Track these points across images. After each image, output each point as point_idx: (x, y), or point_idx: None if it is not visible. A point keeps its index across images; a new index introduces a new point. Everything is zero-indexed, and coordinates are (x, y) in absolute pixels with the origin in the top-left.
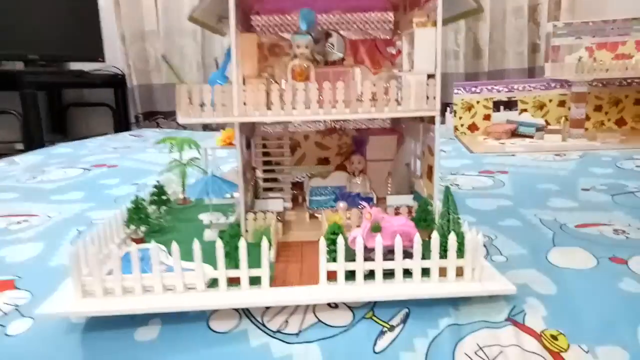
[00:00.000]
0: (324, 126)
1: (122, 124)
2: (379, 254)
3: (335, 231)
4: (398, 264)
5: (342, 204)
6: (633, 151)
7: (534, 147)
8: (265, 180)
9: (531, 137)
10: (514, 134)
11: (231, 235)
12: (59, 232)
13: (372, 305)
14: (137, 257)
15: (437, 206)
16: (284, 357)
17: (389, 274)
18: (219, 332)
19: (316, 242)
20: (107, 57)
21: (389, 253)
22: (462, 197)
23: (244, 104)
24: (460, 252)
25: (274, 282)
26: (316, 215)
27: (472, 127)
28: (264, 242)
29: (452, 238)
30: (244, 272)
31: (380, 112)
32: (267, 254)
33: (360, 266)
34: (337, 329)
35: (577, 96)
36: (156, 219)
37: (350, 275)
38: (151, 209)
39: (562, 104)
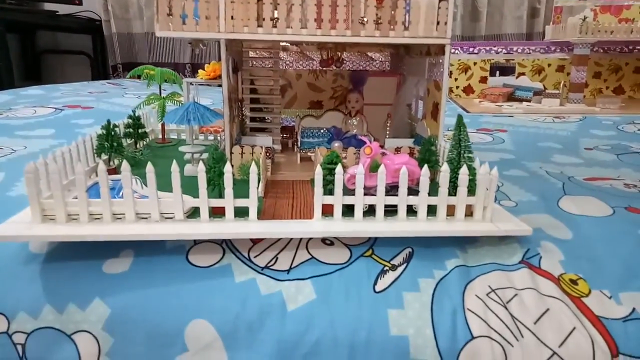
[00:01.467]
0: (319, 62)
1: (100, 74)
2: (381, 187)
3: (333, 160)
4: (402, 198)
5: (337, 144)
6: (634, 116)
7: (532, 110)
8: (252, 119)
9: (528, 100)
10: (510, 97)
11: (215, 159)
12: (22, 164)
13: (372, 244)
14: (107, 182)
15: (442, 146)
16: (272, 295)
17: (390, 212)
18: (199, 266)
19: (308, 182)
20: (84, 0)
21: (391, 190)
22: None
23: (232, 17)
24: (471, 190)
25: (262, 215)
26: (309, 155)
27: (468, 90)
28: (253, 169)
29: (463, 172)
30: (229, 200)
31: (384, 36)
32: (256, 182)
33: (359, 200)
34: (332, 267)
35: (579, 59)
36: (132, 152)
37: (348, 211)
38: (126, 142)
39: (561, 69)
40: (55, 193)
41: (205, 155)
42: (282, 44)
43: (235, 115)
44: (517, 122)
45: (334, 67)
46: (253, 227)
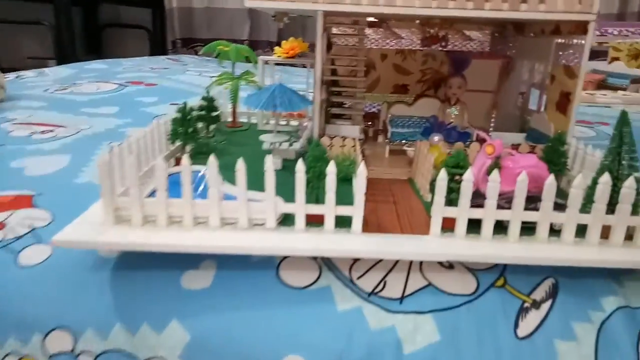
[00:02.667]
0: (421, 40)
1: (158, 49)
2: (520, 199)
3: (459, 163)
4: (545, 215)
5: (437, 137)
6: None
7: (632, 100)
8: (332, 104)
9: (624, 89)
10: (601, 85)
11: (315, 157)
12: (89, 147)
13: (503, 270)
14: (190, 179)
15: (574, 146)
16: (384, 330)
17: (526, 229)
18: (293, 287)
19: (407, 182)
20: None
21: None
22: None
23: None
24: (635, 208)
25: (365, 226)
26: (404, 149)
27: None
28: (362, 170)
29: (628, 185)
30: (330, 207)
31: (514, 9)
32: (364, 186)
33: (490, 214)
34: (457, 298)
35: None
36: (205, 138)
37: (472, 226)
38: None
39: None
40: (132, 191)
41: (284, 146)
42: (369, 19)
43: (323, 100)
44: (617, 113)
45: (440, 47)
46: (360, 244)
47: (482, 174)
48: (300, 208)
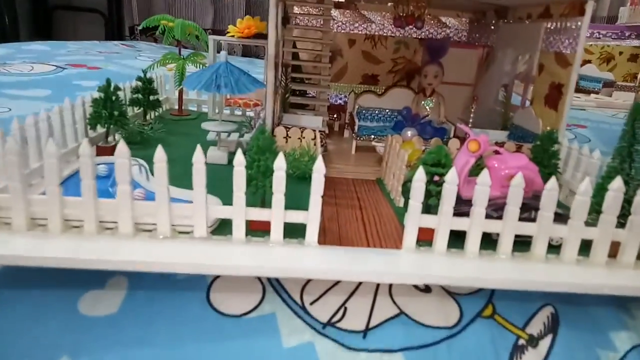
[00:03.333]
0: (393, 20)
1: (114, 35)
2: (513, 207)
3: (441, 160)
4: (544, 228)
5: (410, 132)
6: None
7: (605, 103)
8: (293, 93)
9: (596, 92)
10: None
11: (260, 148)
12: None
13: (490, 295)
14: (91, 171)
15: (566, 145)
16: None
17: (518, 242)
18: (227, 314)
19: (374, 183)
20: None
21: (500, 208)
22: None
23: None
24: None
25: (323, 236)
26: (373, 145)
27: None
28: (319, 166)
29: None
30: (277, 213)
31: None
32: (321, 186)
33: (478, 225)
34: (436, 332)
35: None
36: (139, 125)
37: (453, 239)
38: (132, 112)
39: (634, 58)
40: (13, 185)
41: (234, 137)
42: None
43: (278, 85)
44: (593, 116)
45: (415, 27)
46: (315, 260)
47: (464, 175)
48: (238, 212)
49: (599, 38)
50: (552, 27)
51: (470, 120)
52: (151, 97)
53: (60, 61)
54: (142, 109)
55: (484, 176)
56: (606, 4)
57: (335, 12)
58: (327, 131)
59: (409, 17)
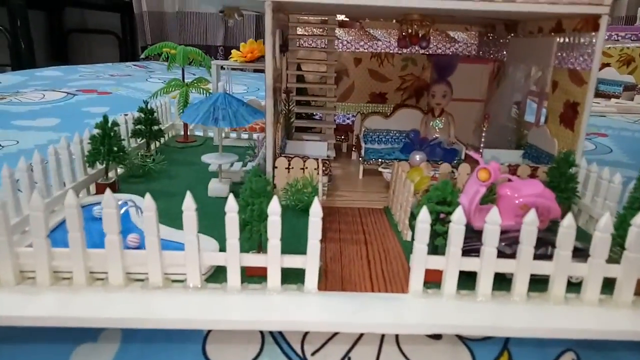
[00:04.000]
0: (397, 41)
1: (128, 56)
2: (527, 247)
3: (446, 197)
4: (561, 267)
5: (419, 157)
6: None
7: (626, 108)
8: (299, 116)
9: (617, 97)
10: None
11: (254, 191)
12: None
13: (505, 341)
14: (79, 222)
15: (583, 166)
16: None
17: (535, 280)
18: None
19: (382, 212)
20: None
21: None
22: None
23: None
24: None
25: (324, 279)
26: (380, 170)
27: None
28: (315, 210)
29: None
30: (273, 258)
31: (509, 0)
32: (319, 230)
33: (489, 266)
34: None
35: None
36: (140, 157)
37: (464, 279)
38: (134, 144)
39: None
40: (1, 237)
41: (237, 166)
42: (340, 18)
43: (279, 112)
44: (613, 123)
45: (418, 48)
46: (314, 310)
47: (474, 205)
48: (232, 260)
49: (618, 40)
50: (565, 42)
51: (482, 140)
52: (153, 128)
53: (71, 87)
54: (144, 139)
55: (494, 215)
56: (624, 3)
57: (339, 32)
58: (333, 156)
59: (413, 36)
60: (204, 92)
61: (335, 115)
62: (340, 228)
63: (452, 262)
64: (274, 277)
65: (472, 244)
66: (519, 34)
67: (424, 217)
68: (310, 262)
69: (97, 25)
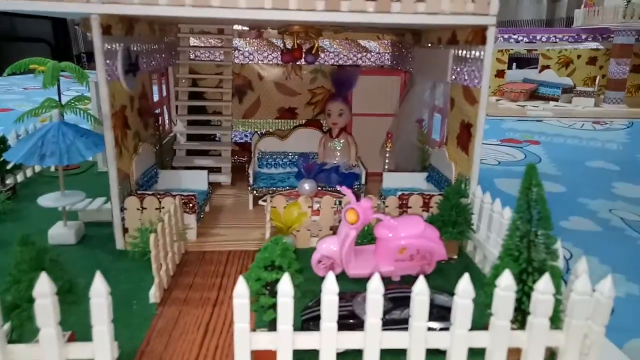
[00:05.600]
0: (280, 54)
1: None
2: (373, 319)
3: (274, 260)
4: (416, 338)
5: (307, 186)
6: None
7: (563, 112)
8: (190, 137)
9: (556, 99)
10: (534, 95)
11: (21, 265)
12: None
13: None
14: None
15: (478, 196)
16: None
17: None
18: None
19: (255, 254)
20: None
21: (395, 302)
22: (486, 176)
23: None
24: (555, 317)
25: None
26: (260, 203)
27: None
28: (98, 288)
29: (542, 289)
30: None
31: (382, 11)
32: (104, 311)
33: (329, 341)
34: None
35: (620, 49)
36: None
37: (306, 356)
38: None
39: (592, 61)
40: None
41: (97, 203)
42: (235, 27)
43: (139, 141)
44: (549, 128)
45: (305, 62)
46: None
47: (345, 250)
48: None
49: (556, 42)
50: (459, 55)
51: (386, 161)
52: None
53: None
54: None
55: (329, 282)
56: (564, 4)
57: (239, 42)
58: (228, 182)
59: (296, 50)
60: (82, 113)
61: (236, 134)
62: (192, 283)
63: (283, 341)
64: None
65: (312, 309)
66: (422, 43)
67: (241, 291)
68: (100, 347)
69: (27, 33)
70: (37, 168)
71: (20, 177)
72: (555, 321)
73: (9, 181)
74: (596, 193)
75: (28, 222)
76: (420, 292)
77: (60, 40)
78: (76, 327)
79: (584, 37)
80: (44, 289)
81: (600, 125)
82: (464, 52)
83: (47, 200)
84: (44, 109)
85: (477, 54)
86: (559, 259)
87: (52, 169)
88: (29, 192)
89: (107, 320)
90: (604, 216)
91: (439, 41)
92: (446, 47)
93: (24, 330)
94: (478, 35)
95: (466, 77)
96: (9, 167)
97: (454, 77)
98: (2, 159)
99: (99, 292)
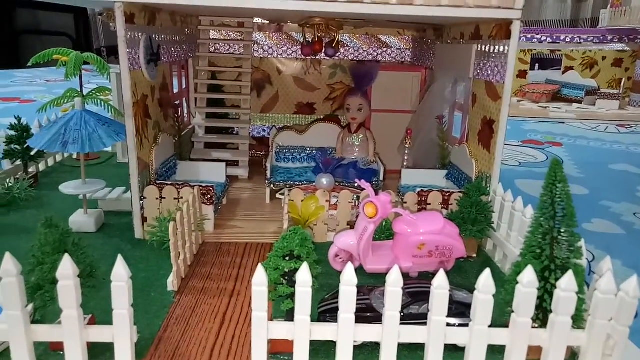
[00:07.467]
0: (301, 47)
1: None
2: (392, 312)
3: (294, 250)
4: (434, 334)
5: (325, 180)
6: None
7: (586, 114)
8: (209, 130)
9: (579, 102)
10: (556, 96)
11: (44, 247)
12: None
13: None
14: None
15: (499, 194)
16: None
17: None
18: None
19: (271, 247)
20: None
21: (413, 297)
22: (507, 177)
23: None
24: (578, 316)
25: (151, 351)
26: (277, 197)
27: None
28: (118, 270)
29: (564, 286)
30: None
31: (405, 3)
32: (125, 295)
33: (346, 333)
34: None
35: None
36: (6, 188)
37: (322, 347)
38: (9, 164)
39: (618, 63)
40: None
41: (115, 193)
42: (255, 20)
43: (159, 131)
44: (571, 131)
45: (325, 55)
46: None
47: (363, 244)
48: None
49: (580, 43)
50: (482, 51)
51: (405, 158)
52: (28, 147)
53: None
54: (22, 160)
55: (349, 273)
56: (589, 5)
57: (259, 36)
58: (246, 176)
59: (317, 43)
60: (104, 104)
61: (254, 128)
62: (210, 273)
63: (299, 332)
64: (73, 352)
65: (329, 302)
66: (444, 39)
67: (260, 279)
68: (121, 333)
69: (50, 27)
70: (59, 157)
71: (42, 166)
72: (578, 320)
73: (32, 169)
74: (620, 196)
75: (49, 209)
76: (440, 285)
77: (82, 34)
78: (96, 312)
79: (609, 38)
80: (67, 271)
81: (625, 128)
82: (488, 47)
83: (68, 187)
84: (66, 99)
85: (501, 49)
86: (583, 256)
87: (75, 156)
88: (50, 181)
89: (127, 304)
90: (628, 219)
91: (461, 36)
92: (469, 43)
93: (46, 312)
94: (502, 30)
95: (489, 73)
96: (32, 153)
97: (476, 72)
98: (26, 145)
99: (121, 276)
